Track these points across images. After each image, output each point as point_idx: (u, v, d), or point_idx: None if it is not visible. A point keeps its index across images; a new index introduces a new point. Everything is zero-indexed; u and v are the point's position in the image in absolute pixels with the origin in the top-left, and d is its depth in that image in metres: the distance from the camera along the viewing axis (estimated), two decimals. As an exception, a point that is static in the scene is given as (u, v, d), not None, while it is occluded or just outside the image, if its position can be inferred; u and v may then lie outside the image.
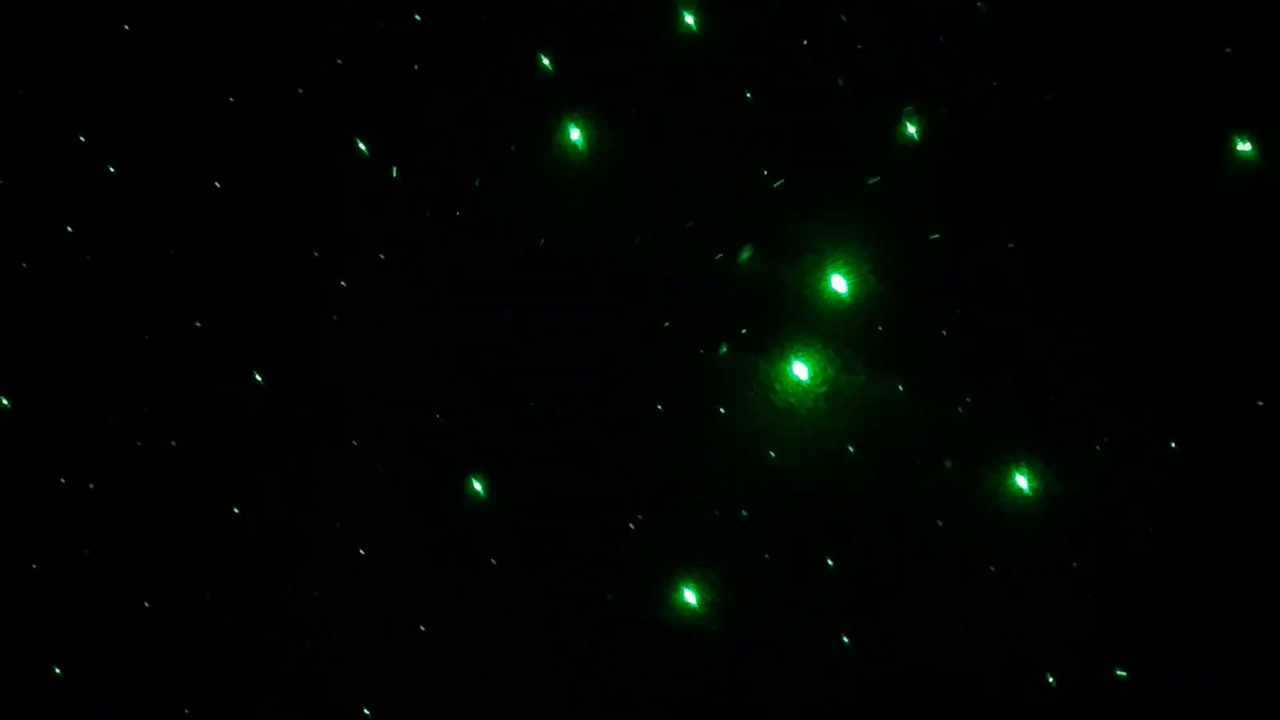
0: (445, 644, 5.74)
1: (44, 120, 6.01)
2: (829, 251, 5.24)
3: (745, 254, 5.36)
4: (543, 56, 5.49)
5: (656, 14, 5.40)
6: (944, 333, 5.29)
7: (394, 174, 5.60)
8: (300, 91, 5.76)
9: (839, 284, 5.24)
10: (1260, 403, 4.97)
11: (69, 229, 5.96)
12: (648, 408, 5.52)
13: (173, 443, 5.95)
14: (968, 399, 5.19)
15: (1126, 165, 4.98)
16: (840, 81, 5.20)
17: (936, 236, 5.11)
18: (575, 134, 5.46)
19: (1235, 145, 4.79)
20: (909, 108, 5.10)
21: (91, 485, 5.98)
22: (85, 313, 6.06)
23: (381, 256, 5.73)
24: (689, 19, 5.41)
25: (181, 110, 5.94)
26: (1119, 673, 5.04)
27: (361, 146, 5.73)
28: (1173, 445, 5.09)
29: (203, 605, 5.88)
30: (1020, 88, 5.02)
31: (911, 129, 5.16)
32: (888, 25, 5.11)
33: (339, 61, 5.68)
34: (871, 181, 5.15)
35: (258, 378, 5.86)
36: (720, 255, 5.37)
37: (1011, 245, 5.04)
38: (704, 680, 5.52)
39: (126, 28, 5.93)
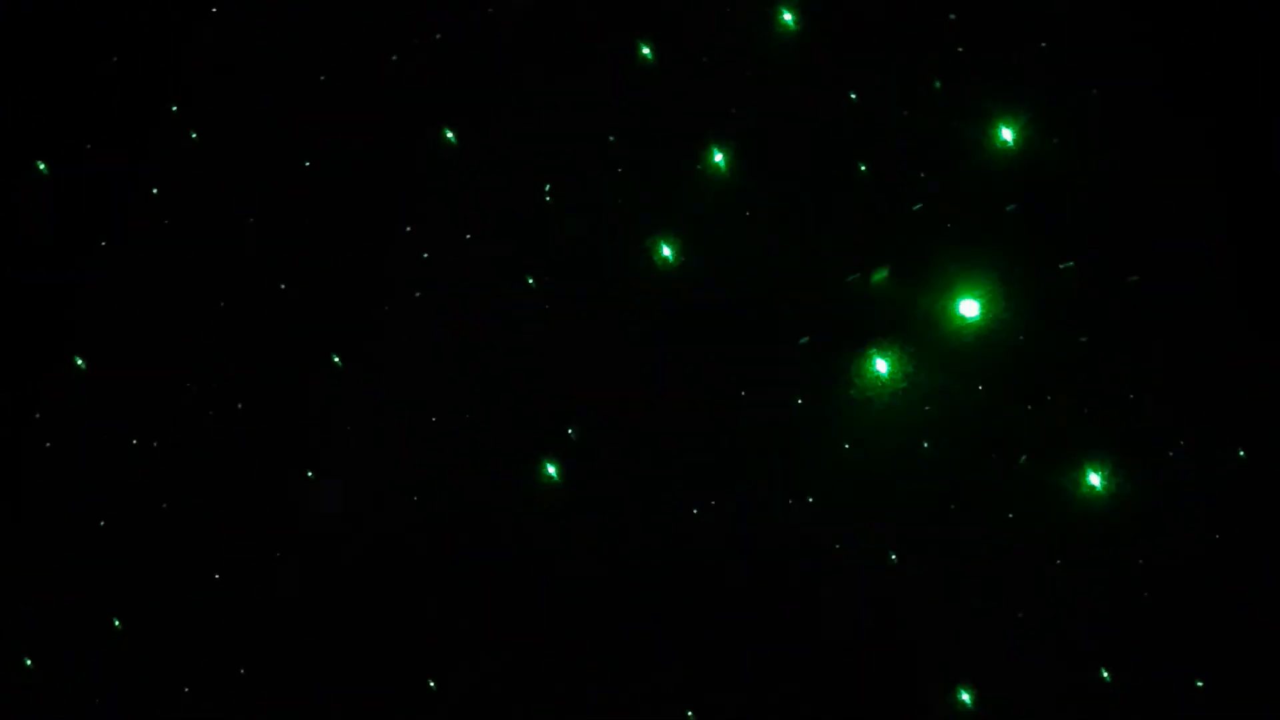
0: (509, 620, 5.81)
1: (136, 91, 6.11)
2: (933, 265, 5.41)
3: (881, 274, 5.49)
4: (643, 45, 5.63)
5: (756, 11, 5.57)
6: (1020, 338, 5.42)
7: (546, 191, 5.74)
8: (394, 59, 5.86)
9: (969, 308, 5.40)
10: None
11: (154, 190, 6.05)
12: (730, 395, 5.62)
13: (239, 405, 6.01)
14: (1048, 397, 5.32)
15: (1223, 183, 5.14)
16: (937, 84, 5.36)
17: (1070, 264, 5.25)
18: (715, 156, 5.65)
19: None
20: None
21: (155, 443, 6.03)
22: (163, 279, 6.13)
23: (468, 236, 5.84)
24: (787, 16, 5.56)
25: (272, 86, 6.04)
26: (1198, 684, 5.16)
27: (450, 135, 5.85)
28: (1241, 454, 5.22)
29: (269, 571, 5.95)
30: (1118, 97, 5.20)
31: (1009, 135, 5.32)
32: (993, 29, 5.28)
33: (438, 36, 5.80)
34: (1010, 208, 5.32)
35: (336, 359, 5.95)
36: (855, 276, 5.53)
37: (1136, 278, 5.19)
38: (767, 669, 5.60)
39: (214, 9, 6.04)
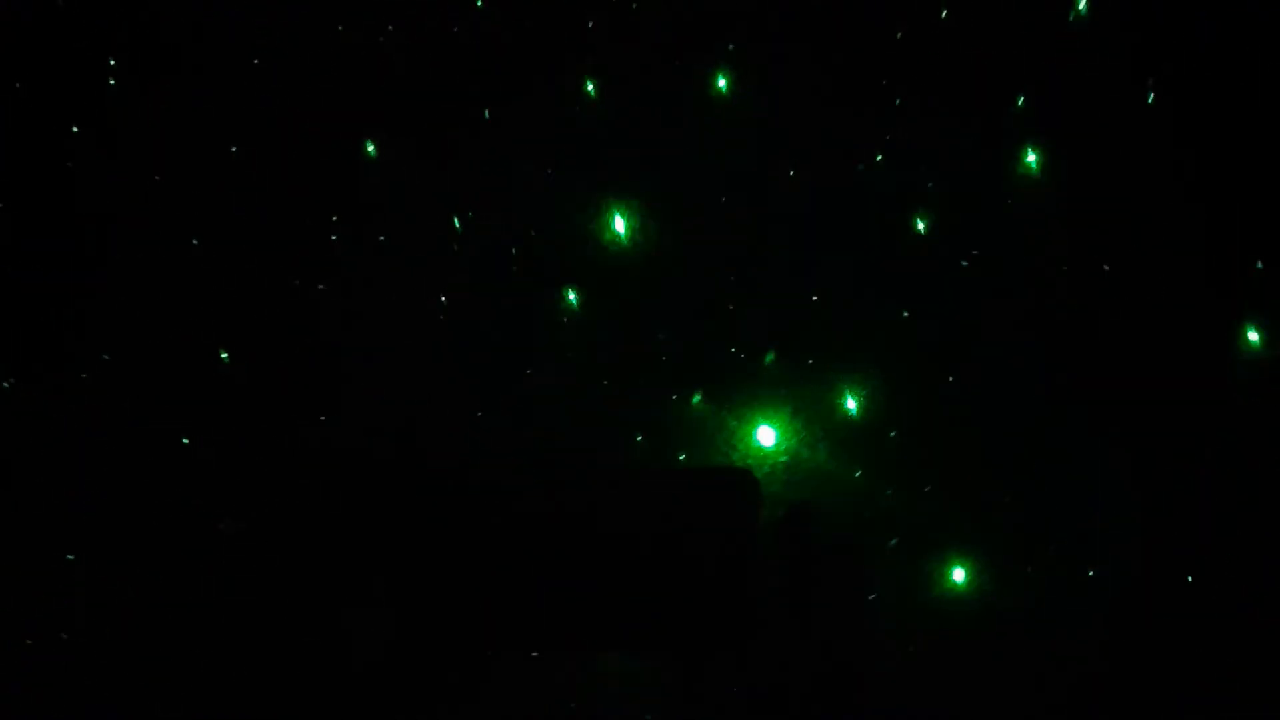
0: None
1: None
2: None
3: (769, 357, 5.64)
4: (589, 81, 5.79)
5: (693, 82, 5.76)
6: (893, 433, 5.58)
7: (456, 224, 5.80)
8: (327, 77, 5.91)
9: (850, 402, 5.62)
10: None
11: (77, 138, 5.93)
12: (618, 443, 5.68)
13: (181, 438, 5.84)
14: (926, 488, 5.46)
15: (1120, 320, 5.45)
16: (860, 167, 5.57)
17: (951, 379, 5.48)
18: (619, 222, 5.80)
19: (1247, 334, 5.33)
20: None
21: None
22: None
23: (381, 238, 5.85)
24: (721, 82, 5.75)
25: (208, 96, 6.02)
26: None
27: (370, 149, 5.89)
28: (1091, 574, 5.39)
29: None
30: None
31: (921, 225, 5.55)
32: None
33: (381, 34, 5.84)
34: (904, 314, 5.55)
35: (223, 354, 5.84)
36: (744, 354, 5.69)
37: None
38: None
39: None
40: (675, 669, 5.44)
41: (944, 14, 5.64)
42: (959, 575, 5.40)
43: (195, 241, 5.82)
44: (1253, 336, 5.34)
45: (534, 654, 5.46)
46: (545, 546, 5.44)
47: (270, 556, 5.61)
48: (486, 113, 5.87)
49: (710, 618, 5.36)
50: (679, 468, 5.63)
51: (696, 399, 5.69)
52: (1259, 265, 5.33)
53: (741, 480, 5.44)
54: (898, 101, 5.60)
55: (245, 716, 5.51)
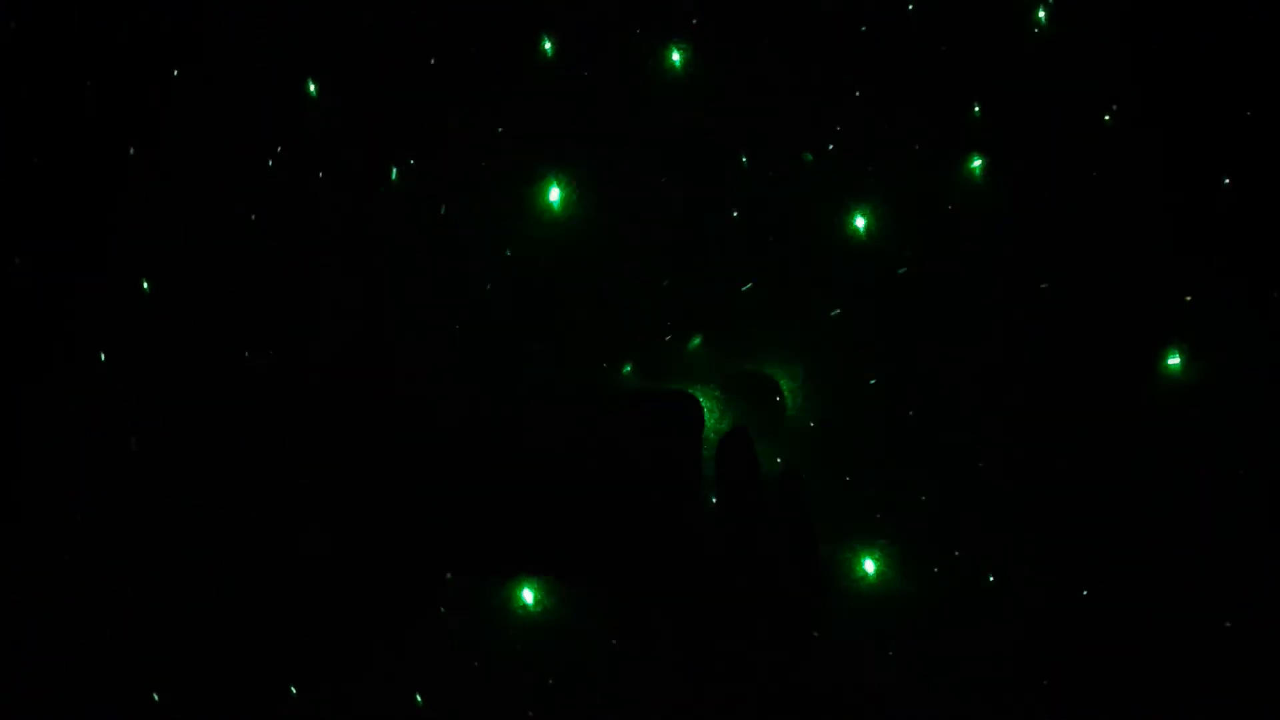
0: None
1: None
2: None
3: (695, 342, 5.65)
4: (546, 39, 5.71)
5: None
6: (812, 424, 5.65)
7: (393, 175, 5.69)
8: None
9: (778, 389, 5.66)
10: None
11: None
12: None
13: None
14: (846, 478, 5.53)
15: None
16: (808, 156, 5.61)
17: (874, 382, 5.54)
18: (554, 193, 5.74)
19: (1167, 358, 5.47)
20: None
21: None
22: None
23: (320, 173, 5.73)
24: (675, 55, 5.73)
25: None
26: None
27: (312, 88, 5.77)
28: (991, 579, 5.52)
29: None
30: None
31: (861, 221, 5.60)
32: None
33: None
34: (834, 313, 5.59)
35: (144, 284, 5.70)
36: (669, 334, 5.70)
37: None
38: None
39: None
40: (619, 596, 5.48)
41: (910, 6, 5.67)
42: (869, 566, 5.49)
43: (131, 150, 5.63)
44: (1173, 361, 5.50)
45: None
46: (483, 470, 5.45)
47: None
48: (432, 61, 5.76)
49: (654, 542, 5.42)
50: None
51: (627, 370, 5.69)
52: (1188, 299, 5.49)
53: (684, 401, 5.50)
54: (857, 93, 5.62)
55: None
